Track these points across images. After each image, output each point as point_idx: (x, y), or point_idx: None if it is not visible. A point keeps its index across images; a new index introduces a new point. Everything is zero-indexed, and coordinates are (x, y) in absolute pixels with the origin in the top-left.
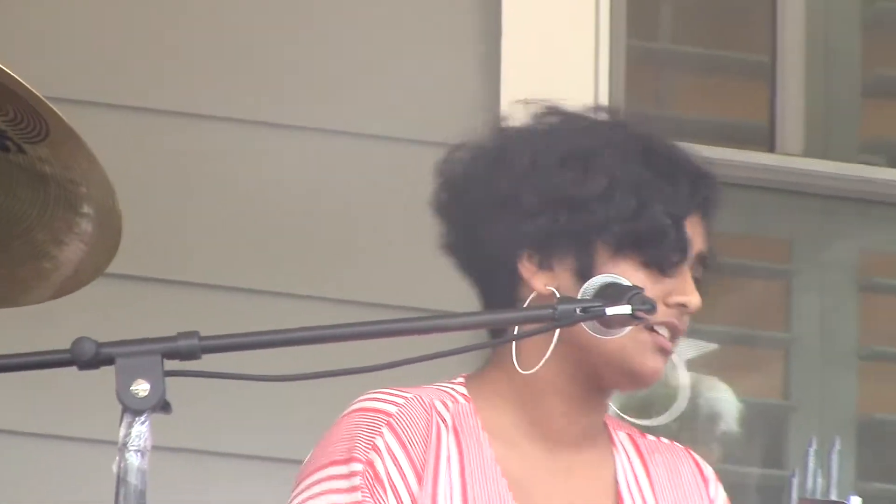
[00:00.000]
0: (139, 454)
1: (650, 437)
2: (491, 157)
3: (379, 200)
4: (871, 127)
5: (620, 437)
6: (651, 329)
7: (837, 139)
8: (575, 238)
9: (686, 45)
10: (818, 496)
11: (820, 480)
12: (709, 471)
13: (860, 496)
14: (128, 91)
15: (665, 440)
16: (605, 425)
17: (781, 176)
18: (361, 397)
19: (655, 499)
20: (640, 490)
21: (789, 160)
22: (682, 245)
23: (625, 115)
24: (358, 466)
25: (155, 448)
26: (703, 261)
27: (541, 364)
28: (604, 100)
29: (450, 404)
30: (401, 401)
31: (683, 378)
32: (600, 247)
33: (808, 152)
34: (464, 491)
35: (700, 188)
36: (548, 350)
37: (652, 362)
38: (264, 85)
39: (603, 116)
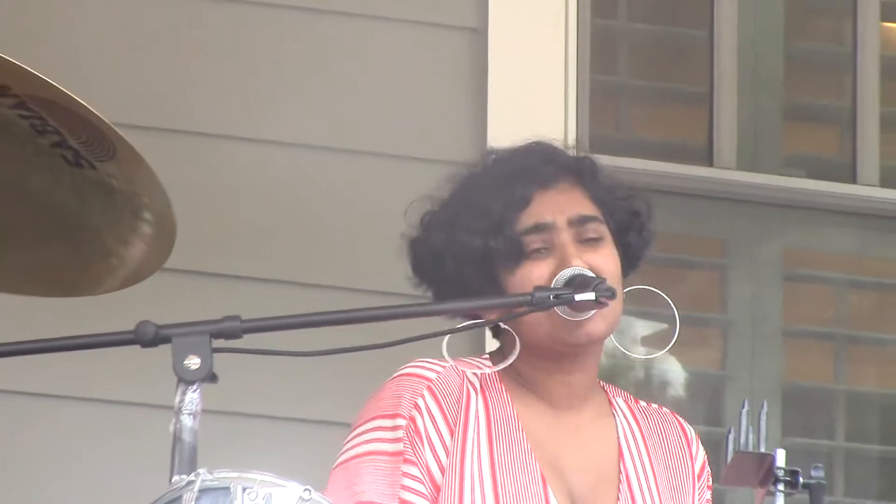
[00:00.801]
0: (191, 416)
1: (642, 402)
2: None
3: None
4: (792, 145)
5: (618, 402)
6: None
7: (764, 155)
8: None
9: (639, 79)
10: (750, 449)
11: (751, 436)
12: (692, 433)
13: (784, 449)
14: (179, 117)
15: (654, 405)
16: (605, 392)
17: (718, 186)
18: (407, 364)
19: (650, 456)
20: (637, 448)
21: (724, 173)
22: (514, 241)
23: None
24: (402, 421)
25: (204, 411)
26: (584, 220)
27: (514, 354)
28: (572, 123)
29: (478, 373)
30: (439, 369)
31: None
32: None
33: (740, 166)
34: (490, 443)
35: (528, 180)
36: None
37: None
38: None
39: (482, 168)
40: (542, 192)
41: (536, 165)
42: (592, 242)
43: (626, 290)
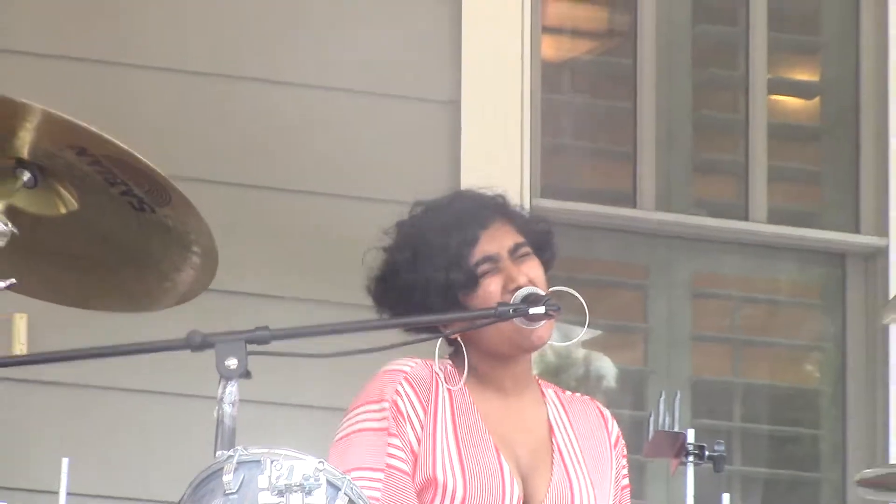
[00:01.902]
0: (231, 405)
1: (567, 392)
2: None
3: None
4: (698, 191)
5: (549, 392)
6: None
7: (676, 199)
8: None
9: (579, 140)
10: (667, 429)
11: (668, 419)
12: (607, 413)
13: (693, 428)
14: (220, 169)
15: (578, 394)
16: (538, 385)
17: (641, 223)
18: (388, 363)
19: (574, 433)
20: (564, 426)
21: (645, 213)
22: (469, 273)
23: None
24: (386, 404)
25: (241, 401)
26: (518, 247)
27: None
28: (526, 175)
29: (443, 367)
30: (413, 364)
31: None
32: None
33: (658, 207)
34: (454, 421)
35: (474, 219)
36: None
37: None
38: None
39: (427, 210)
40: (483, 231)
41: (476, 210)
42: (524, 259)
43: (549, 290)
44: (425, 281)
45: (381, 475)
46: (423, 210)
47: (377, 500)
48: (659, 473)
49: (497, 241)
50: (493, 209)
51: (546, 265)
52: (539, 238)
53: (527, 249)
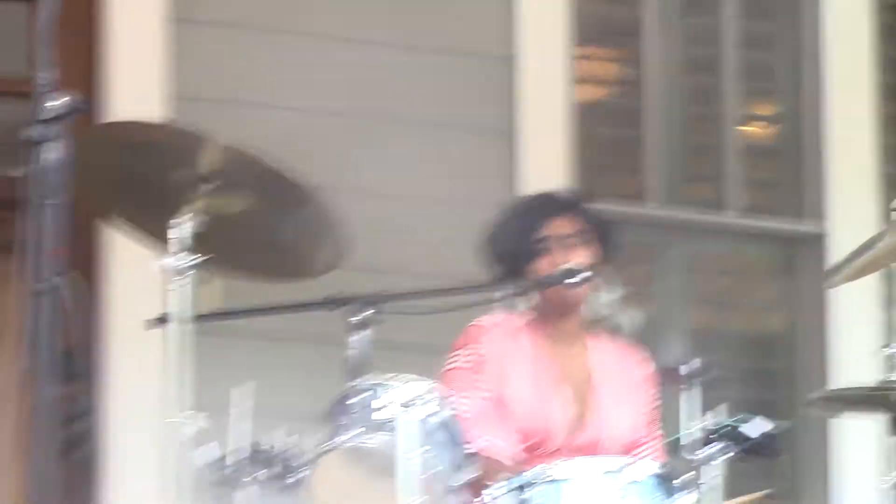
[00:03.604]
0: (359, 348)
1: (611, 340)
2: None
3: None
4: (690, 192)
5: (596, 341)
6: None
7: (675, 197)
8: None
9: (608, 172)
10: (670, 365)
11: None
12: (641, 354)
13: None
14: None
15: (618, 341)
16: (588, 335)
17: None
18: (477, 318)
19: (614, 372)
20: (607, 367)
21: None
22: (530, 247)
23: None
24: (472, 350)
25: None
26: (572, 235)
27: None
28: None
29: (517, 321)
30: (494, 319)
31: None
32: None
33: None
34: (523, 361)
35: (546, 210)
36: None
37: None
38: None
39: (517, 207)
40: (550, 220)
41: (549, 203)
42: (576, 247)
43: (594, 275)
44: (504, 250)
45: (470, 400)
46: (518, 200)
47: (468, 417)
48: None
49: (560, 228)
50: (563, 204)
51: (608, 252)
52: (601, 232)
53: (582, 239)
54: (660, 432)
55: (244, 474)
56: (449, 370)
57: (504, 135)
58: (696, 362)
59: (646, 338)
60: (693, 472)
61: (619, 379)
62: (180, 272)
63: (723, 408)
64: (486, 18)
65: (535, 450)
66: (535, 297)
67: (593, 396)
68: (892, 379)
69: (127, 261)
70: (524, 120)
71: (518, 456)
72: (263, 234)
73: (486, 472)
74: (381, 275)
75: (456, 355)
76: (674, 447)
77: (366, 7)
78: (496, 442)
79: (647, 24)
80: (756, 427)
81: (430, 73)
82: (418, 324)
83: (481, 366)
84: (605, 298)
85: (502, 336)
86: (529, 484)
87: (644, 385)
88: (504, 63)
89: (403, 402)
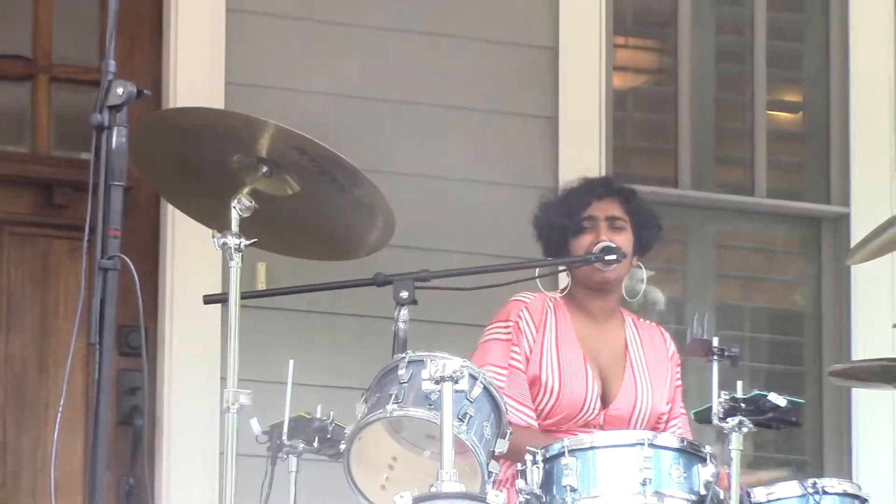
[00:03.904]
0: (403, 323)
1: (641, 320)
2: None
3: None
4: (720, 176)
5: (628, 319)
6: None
7: (706, 181)
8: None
9: (641, 165)
10: (699, 337)
11: (700, 330)
12: (667, 335)
13: (717, 337)
14: (398, 161)
15: (648, 321)
16: (621, 314)
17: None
18: (515, 295)
19: (643, 350)
20: (637, 346)
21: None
22: (577, 223)
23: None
24: (511, 323)
25: (410, 320)
26: (614, 219)
27: (570, 282)
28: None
29: (554, 298)
30: (532, 296)
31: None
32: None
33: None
34: (556, 337)
35: (595, 192)
36: (572, 276)
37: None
38: None
39: (570, 186)
40: (595, 202)
41: (595, 188)
42: (616, 230)
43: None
44: (552, 223)
45: (505, 371)
46: (569, 185)
47: (502, 387)
48: (694, 368)
49: (601, 210)
50: (607, 189)
51: (643, 245)
52: (641, 221)
53: (621, 223)
54: (683, 410)
55: (291, 444)
56: (487, 341)
57: (547, 121)
58: (726, 336)
59: (678, 312)
60: (721, 441)
61: (649, 356)
62: (235, 251)
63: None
64: (531, 12)
65: (568, 422)
66: (572, 276)
67: (624, 372)
68: None
69: (186, 240)
70: (566, 106)
71: (549, 427)
72: (315, 215)
73: (519, 442)
74: (426, 253)
75: (495, 327)
76: (704, 416)
77: (420, 2)
78: (528, 413)
79: (682, 15)
80: (780, 398)
81: (479, 62)
82: (459, 300)
83: (518, 338)
84: (637, 279)
85: (540, 311)
86: (560, 453)
87: (671, 363)
88: (548, 53)
89: (445, 375)
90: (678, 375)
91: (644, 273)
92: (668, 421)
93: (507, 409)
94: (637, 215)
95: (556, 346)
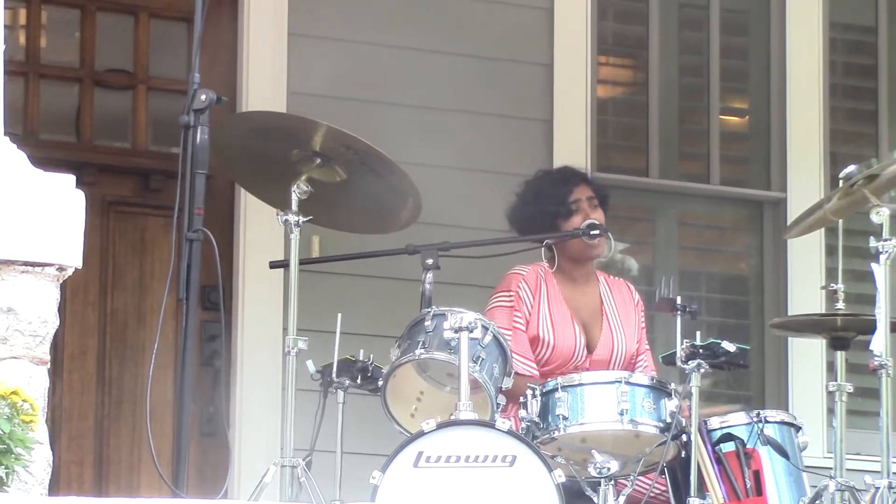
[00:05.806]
0: (429, 284)
1: (611, 277)
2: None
3: None
4: (683, 166)
5: (601, 279)
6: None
7: (670, 171)
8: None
9: (625, 146)
10: (665, 296)
11: (666, 290)
12: (633, 287)
13: (679, 296)
14: (422, 154)
15: (616, 277)
16: (596, 275)
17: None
18: (514, 267)
19: (615, 302)
20: (610, 300)
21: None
22: (568, 207)
23: (553, 170)
24: (512, 293)
25: (435, 282)
26: (592, 199)
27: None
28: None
29: (545, 268)
30: (528, 268)
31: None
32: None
33: (661, 176)
34: (549, 301)
35: (571, 180)
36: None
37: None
38: None
39: (545, 174)
40: (576, 186)
41: (572, 175)
42: (594, 208)
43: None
44: (541, 211)
45: (509, 333)
46: (541, 173)
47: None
48: (661, 321)
49: (582, 193)
50: (581, 177)
51: (606, 207)
52: (602, 198)
53: (596, 201)
54: (648, 347)
55: (339, 381)
56: (493, 308)
57: (544, 123)
58: (687, 296)
59: (648, 277)
60: (683, 380)
61: (619, 306)
62: (295, 226)
63: (704, 330)
64: (529, 33)
65: (561, 367)
66: (561, 250)
67: (602, 323)
68: (833, 310)
69: (255, 217)
70: (559, 112)
71: (547, 372)
72: (358, 197)
73: (520, 384)
74: (445, 229)
75: (499, 296)
76: (669, 359)
77: (439, 26)
78: (531, 364)
79: (652, 39)
80: (730, 345)
81: (489, 76)
82: (475, 266)
83: (519, 305)
84: (614, 247)
85: (535, 281)
86: (554, 389)
87: (637, 309)
88: (544, 69)
89: (463, 326)
90: (643, 319)
91: (620, 245)
92: (639, 356)
93: (512, 356)
94: (599, 191)
95: (549, 308)
